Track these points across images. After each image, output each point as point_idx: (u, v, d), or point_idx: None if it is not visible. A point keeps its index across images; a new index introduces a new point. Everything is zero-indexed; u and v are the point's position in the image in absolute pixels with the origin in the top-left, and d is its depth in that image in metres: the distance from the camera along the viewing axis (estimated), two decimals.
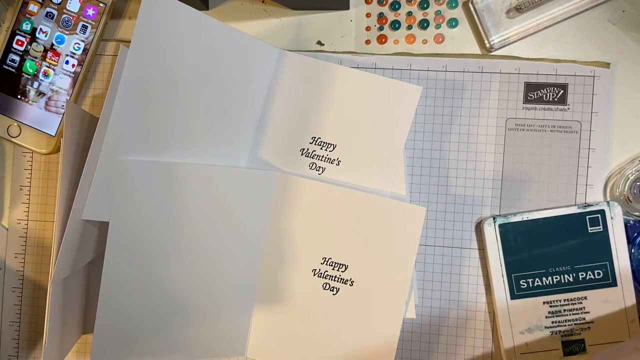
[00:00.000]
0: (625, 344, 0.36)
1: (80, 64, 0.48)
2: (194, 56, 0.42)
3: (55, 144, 0.49)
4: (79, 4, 0.48)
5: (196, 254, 0.45)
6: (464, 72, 0.46)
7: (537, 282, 0.45)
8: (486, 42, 0.46)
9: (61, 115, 0.49)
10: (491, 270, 0.46)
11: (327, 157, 0.46)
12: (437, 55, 0.47)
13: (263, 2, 0.49)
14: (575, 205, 0.45)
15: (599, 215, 0.44)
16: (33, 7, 0.48)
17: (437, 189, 0.47)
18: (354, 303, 0.46)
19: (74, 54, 0.48)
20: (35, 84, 0.48)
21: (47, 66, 0.48)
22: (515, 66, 0.46)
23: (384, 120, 0.45)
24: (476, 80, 0.46)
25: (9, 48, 0.48)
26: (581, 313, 0.45)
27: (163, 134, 0.43)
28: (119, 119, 0.40)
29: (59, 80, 0.48)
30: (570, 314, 0.45)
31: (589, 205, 0.45)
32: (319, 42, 0.48)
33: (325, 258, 0.46)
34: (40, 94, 0.48)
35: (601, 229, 0.44)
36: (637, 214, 0.45)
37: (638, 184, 0.44)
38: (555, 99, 0.46)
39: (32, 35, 0.48)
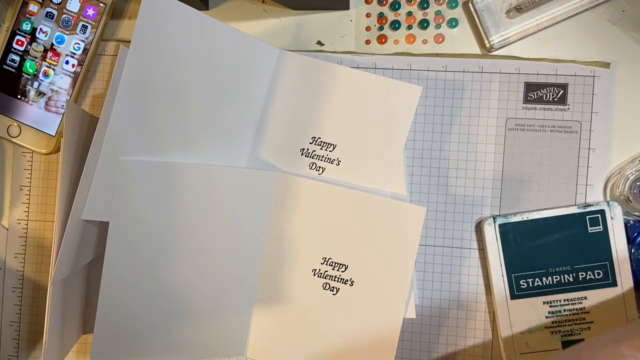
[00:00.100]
0: (602, 336, 0.36)
1: (80, 64, 0.48)
2: (194, 56, 0.42)
3: (55, 144, 0.49)
4: (79, 4, 0.48)
5: (196, 254, 0.45)
6: (464, 72, 0.46)
7: (537, 282, 0.45)
8: (486, 42, 0.46)
9: (61, 115, 0.49)
10: (491, 270, 0.46)
11: (327, 157, 0.46)
12: (437, 55, 0.47)
13: (263, 2, 0.49)
14: (575, 205, 0.45)
15: (599, 215, 0.44)
16: (33, 7, 0.48)
17: (437, 189, 0.47)
18: (354, 303, 0.46)
19: (74, 54, 0.48)
20: (35, 84, 0.48)
21: (47, 66, 0.48)
22: (515, 66, 0.46)
23: (384, 120, 0.45)
24: (476, 80, 0.46)
25: (9, 48, 0.48)
26: (581, 313, 0.45)
27: (163, 134, 0.43)
28: (119, 119, 0.40)
29: (59, 80, 0.48)
30: (570, 314, 0.45)
31: (589, 205, 0.45)
32: (319, 42, 0.48)
33: (325, 258, 0.46)
34: (40, 94, 0.48)
35: (601, 229, 0.44)
36: (637, 214, 0.45)
37: (638, 184, 0.44)
38: (555, 99, 0.46)
39: (32, 35, 0.48)
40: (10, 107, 0.48)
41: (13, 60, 0.48)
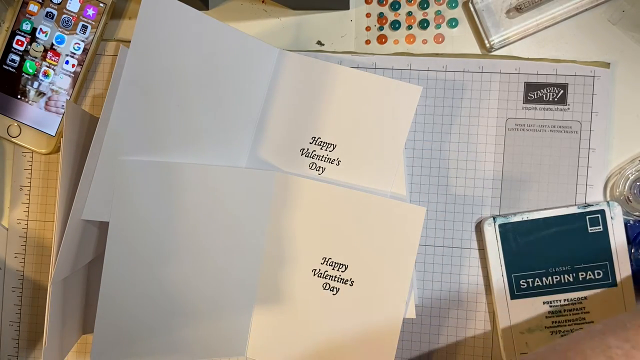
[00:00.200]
0: (590, 328, 0.37)
1: (80, 64, 0.48)
2: (194, 56, 0.42)
3: (55, 144, 0.49)
4: (79, 4, 0.48)
5: (196, 254, 0.45)
6: (464, 72, 0.46)
7: (537, 282, 0.45)
8: (486, 42, 0.46)
9: (61, 115, 0.49)
10: (491, 270, 0.46)
11: (327, 157, 0.46)
12: (437, 55, 0.47)
13: (263, 2, 0.49)
14: (575, 205, 0.45)
15: (599, 215, 0.44)
16: (33, 7, 0.48)
17: (437, 189, 0.47)
18: (354, 303, 0.46)
19: (74, 54, 0.48)
20: (35, 84, 0.48)
21: (47, 66, 0.48)
22: (515, 66, 0.46)
23: (384, 120, 0.45)
24: (476, 80, 0.46)
25: (9, 48, 0.48)
26: (581, 313, 0.45)
27: (163, 134, 0.43)
28: (119, 119, 0.40)
29: (59, 80, 0.48)
30: (570, 314, 0.45)
31: (589, 205, 0.45)
32: (319, 42, 0.48)
33: (325, 258, 0.46)
34: (40, 94, 0.48)
35: (601, 229, 0.44)
36: (637, 214, 0.45)
37: (638, 184, 0.44)
38: (555, 99, 0.46)
39: (32, 35, 0.48)
40: (10, 107, 0.48)
41: (13, 60, 0.48)
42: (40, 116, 0.49)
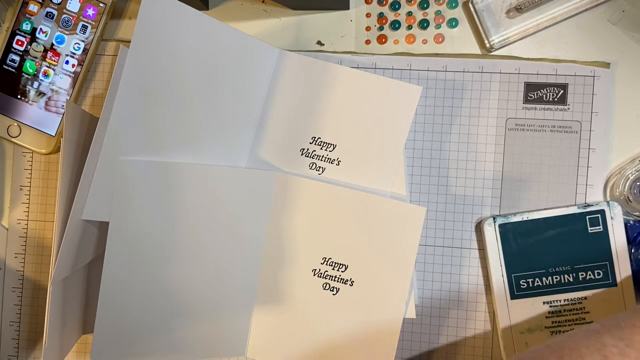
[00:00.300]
0: (586, 327, 0.37)
1: (80, 64, 0.48)
2: (194, 56, 0.42)
3: (55, 144, 0.49)
4: (79, 4, 0.48)
5: (196, 254, 0.45)
6: (464, 72, 0.46)
7: (537, 282, 0.45)
8: (486, 42, 0.46)
9: (61, 115, 0.49)
10: (491, 270, 0.46)
11: (327, 157, 0.46)
12: (437, 55, 0.47)
13: (263, 2, 0.49)
14: (575, 205, 0.45)
15: (599, 215, 0.44)
16: (33, 7, 0.48)
17: (437, 189, 0.47)
18: (354, 303, 0.46)
19: (74, 54, 0.48)
20: (35, 84, 0.48)
21: (47, 66, 0.48)
22: (515, 66, 0.46)
23: (384, 120, 0.45)
24: (476, 80, 0.46)
25: (9, 48, 0.48)
26: (581, 313, 0.45)
27: (163, 134, 0.43)
28: (119, 119, 0.40)
29: (59, 80, 0.48)
30: (570, 314, 0.45)
31: (589, 205, 0.45)
32: (319, 42, 0.48)
33: (325, 258, 0.46)
34: (40, 94, 0.48)
35: (601, 229, 0.44)
36: (637, 214, 0.45)
37: (638, 184, 0.44)
38: (555, 99, 0.46)
39: (32, 35, 0.48)
40: (10, 107, 0.48)
41: (13, 60, 0.48)
42: (40, 116, 0.49)
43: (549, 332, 0.45)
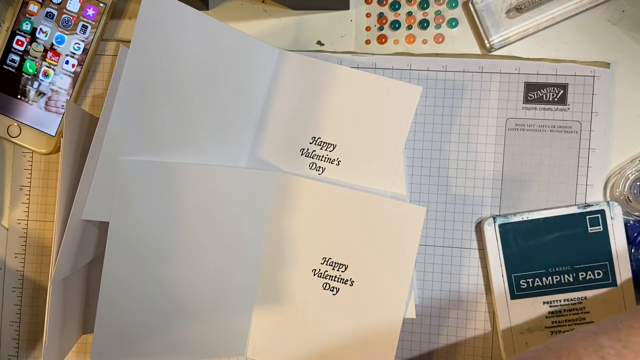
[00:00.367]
0: (583, 328, 0.38)
1: (80, 64, 0.48)
2: (194, 56, 0.42)
3: (55, 144, 0.49)
4: (79, 4, 0.48)
5: (196, 254, 0.45)
6: (464, 72, 0.46)
7: (537, 282, 0.45)
8: (486, 42, 0.46)
9: (61, 115, 0.49)
10: (491, 270, 0.46)
11: (327, 157, 0.46)
12: (437, 55, 0.47)
13: (263, 2, 0.49)
14: (575, 205, 0.45)
15: (599, 215, 0.44)
16: (33, 7, 0.48)
17: (437, 189, 0.47)
18: (354, 303, 0.46)
19: (74, 54, 0.48)
20: (35, 84, 0.48)
21: (47, 66, 0.48)
22: (515, 66, 0.46)
23: (384, 120, 0.45)
24: (476, 80, 0.46)
25: (9, 48, 0.48)
26: (581, 313, 0.45)
27: (163, 134, 0.43)
28: (119, 119, 0.40)
29: (59, 80, 0.48)
30: (570, 314, 0.45)
31: (589, 205, 0.45)
32: (319, 42, 0.48)
33: (325, 258, 0.46)
34: (40, 94, 0.48)
35: (601, 229, 0.44)
36: (637, 214, 0.45)
37: (638, 184, 0.44)
38: (555, 99, 0.46)
39: (32, 35, 0.48)
40: (10, 107, 0.48)
41: (13, 60, 0.48)
42: (40, 116, 0.49)
43: (549, 332, 0.45)
